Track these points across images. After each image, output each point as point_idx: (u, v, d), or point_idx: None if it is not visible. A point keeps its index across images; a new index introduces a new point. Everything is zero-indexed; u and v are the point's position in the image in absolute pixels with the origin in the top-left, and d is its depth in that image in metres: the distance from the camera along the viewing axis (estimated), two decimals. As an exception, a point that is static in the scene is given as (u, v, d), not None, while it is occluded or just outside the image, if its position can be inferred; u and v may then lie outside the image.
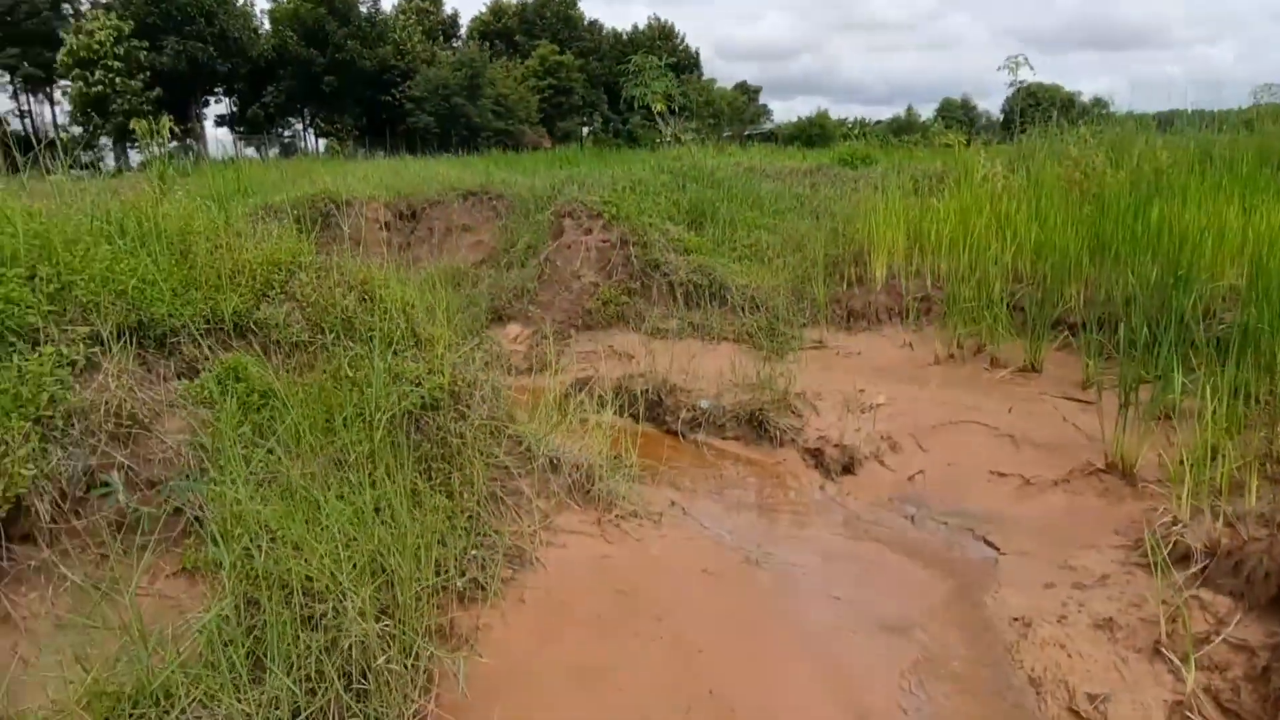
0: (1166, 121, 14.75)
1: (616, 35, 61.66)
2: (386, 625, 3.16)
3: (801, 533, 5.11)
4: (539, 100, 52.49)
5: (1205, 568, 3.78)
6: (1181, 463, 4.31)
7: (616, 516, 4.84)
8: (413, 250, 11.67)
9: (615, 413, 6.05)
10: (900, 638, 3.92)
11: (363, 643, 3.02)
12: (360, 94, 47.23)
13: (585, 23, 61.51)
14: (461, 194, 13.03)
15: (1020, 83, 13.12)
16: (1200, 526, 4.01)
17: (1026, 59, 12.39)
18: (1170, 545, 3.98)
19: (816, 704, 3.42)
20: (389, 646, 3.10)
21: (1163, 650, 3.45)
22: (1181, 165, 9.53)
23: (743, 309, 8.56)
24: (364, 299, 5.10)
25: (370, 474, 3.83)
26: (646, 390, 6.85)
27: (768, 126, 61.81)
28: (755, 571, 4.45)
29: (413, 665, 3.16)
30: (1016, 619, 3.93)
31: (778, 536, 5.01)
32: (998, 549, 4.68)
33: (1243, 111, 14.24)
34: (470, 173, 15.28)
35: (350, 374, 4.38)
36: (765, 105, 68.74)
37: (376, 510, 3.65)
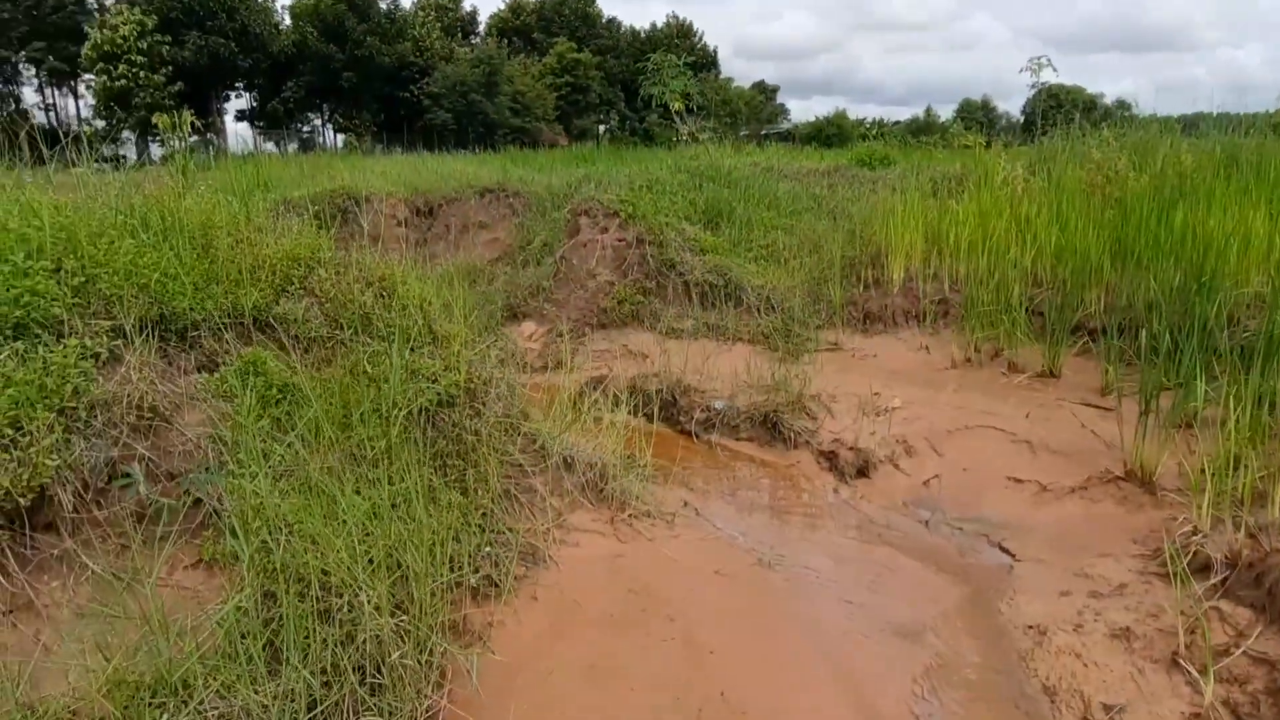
0: (1191, 125, 14.61)
1: (635, 33, 61.65)
2: (401, 620, 3.18)
3: (815, 535, 5.09)
4: (556, 98, 52.55)
5: (1226, 579, 3.74)
6: (1203, 472, 4.27)
7: (629, 516, 4.85)
8: (429, 247, 11.72)
9: (629, 412, 6.05)
10: (913, 643, 3.90)
11: (378, 637, 3.04)
12: (379, 90, 47.44)
13: (603, 20, 61.53)
14: (478, 191, 13.07)
15: (1043, 84, 13.05)
16: (1221, 537, 3.96)
17: (1049, 60, 12.35)
18: (1190, 555, 3.94)
19: (828, 707, 3.41)
20: (404, 642, 3.11)
21: (1181, 662, 3.42)
22: (1206, 169, 9.42)
23: (758, 310, 8.54)
24: (382, 295, 5.13)
25: (387, 469, 3.86)
26: (660, 390, 6.85)
27: (785, 126, 61.59)
28: (768, 573, 4.45)
29: (426, 661, 3.17)
30: (1031, 627, 3.91)
31: (791, 539, 5.00)
32: (1013, 555, 4.65)
33: (1270, 115, 14.07)
34: (487, 170, 15.32)
35: (368, 370, 4.41)
36: (783, 105, 68.53)
37: (393, 506, 3.67)
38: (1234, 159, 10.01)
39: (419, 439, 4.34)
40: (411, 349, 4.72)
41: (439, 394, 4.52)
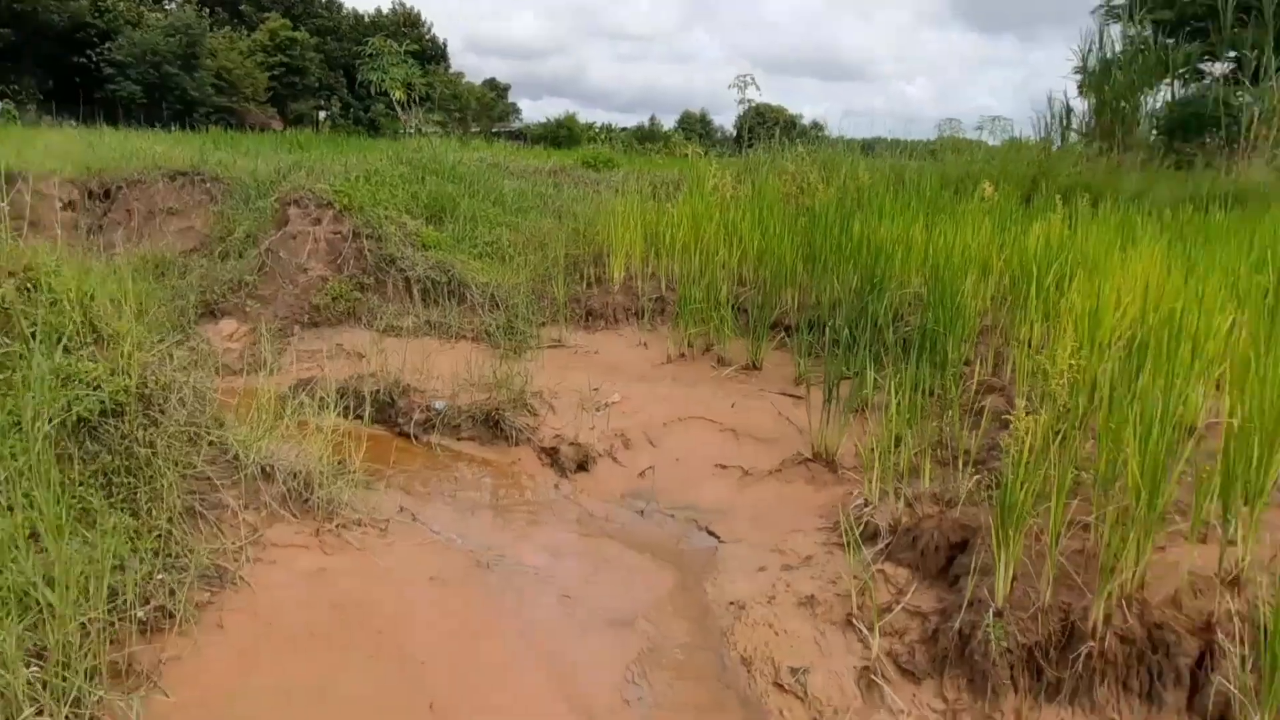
0: (869, 147, 16.62)
1: (358, 17, 58.51)
2: (36, 670, 2.69)
3: (535, 532, 5.08)
4: (268, 78, 48.47)
5: (889, 544, 4.23)
6: (872, 450, 4.79)
7: (338, 526, 4.52)
8: (105, 235, 10.24)
9: (341, 415, 5.67)
10: (627, 631, 4.00)
11: (2, 695, 2.54)
12: (46, 52, 40.85)
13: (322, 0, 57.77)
14: (169, 174, 11.66)
15: (749, 101, 14.10)
16: (886, 507, 4.48)
17: (754, 79, 13.36)
18: (862, 525, 4.41)
19: (542, 704, 3.39)
20: (40, 695, 2.63)
21: (854, 621, 3.80)
22: (879, 185, 10.73)
23: (482, 307, 8.41)
24: (26, 288, 4.35)
25: (27, 493, 3.26)
26: (377, 391, 6.49)
27: (517, 125, 61.75)
28: (485, 575, 4.35)
29: (73, 713, 2.71)
30: (733, 603, 4.16)
31: (511, 537, 4.94)
32: (719, 538, 4.94)
33: (930, 142, 16.38)
34: (183, 150, 13.72)
35: (2, 375, 3.71)
36: (515, 104, 68.49)
37: (32, 536, 3.11)
38: (901, 177, 11.51)
39: (75, 455, 3.74)
40: (66, 350, 4.05)
41: (102, 402, 3.92)
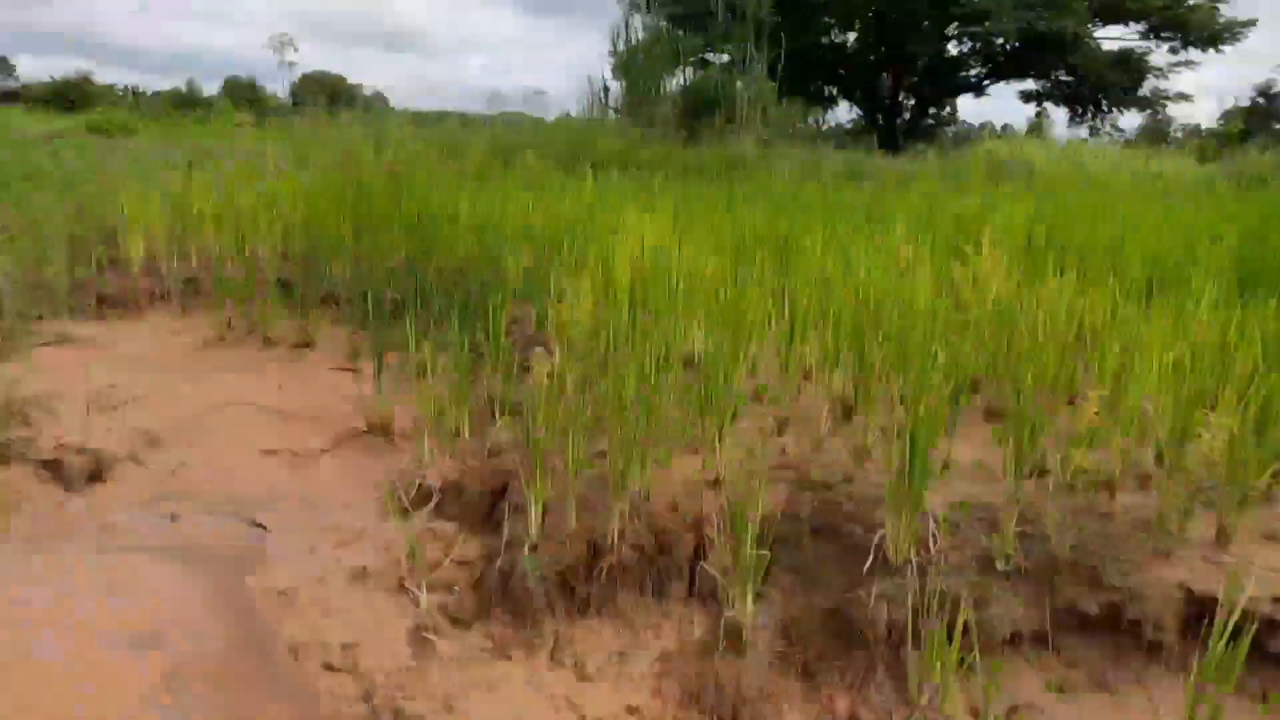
0: (426, 119, 16.68)
1: None
2: None
3: (30, 562, 4.26)
4: None
5: (440, 502, 4.31)
6: (423, 414, 4.83)
7: None
8: None
9: None
10: (155, 650, 3.55)
11: None
12: None
13: None
14: None
15: (290, 63, 13.21)
16: (437, 467, 4.55)
17: (292, 40, 12.58)
18: (416, 488, 4.44)
19: (33, 758, 2.88)
20: None
21: (406, 585, 3.81)
22: (432, 155, 10.79)
23: (-52, 302, 6.79)
24: None
25: None
26: None
27: (13, 84, 51.02)
28: (-46, 624, 3.55)
29: None
30: (281, 593, 3.91)
31: (-3, 573, 4.09)
32: (266, 528, 4.61)
33: (487, 116, 16.93)
34: None
35: None
36: (7, 59, 56.13)
37: None
38: (454, 148, 11.71)
39: None
40: None
41: None
